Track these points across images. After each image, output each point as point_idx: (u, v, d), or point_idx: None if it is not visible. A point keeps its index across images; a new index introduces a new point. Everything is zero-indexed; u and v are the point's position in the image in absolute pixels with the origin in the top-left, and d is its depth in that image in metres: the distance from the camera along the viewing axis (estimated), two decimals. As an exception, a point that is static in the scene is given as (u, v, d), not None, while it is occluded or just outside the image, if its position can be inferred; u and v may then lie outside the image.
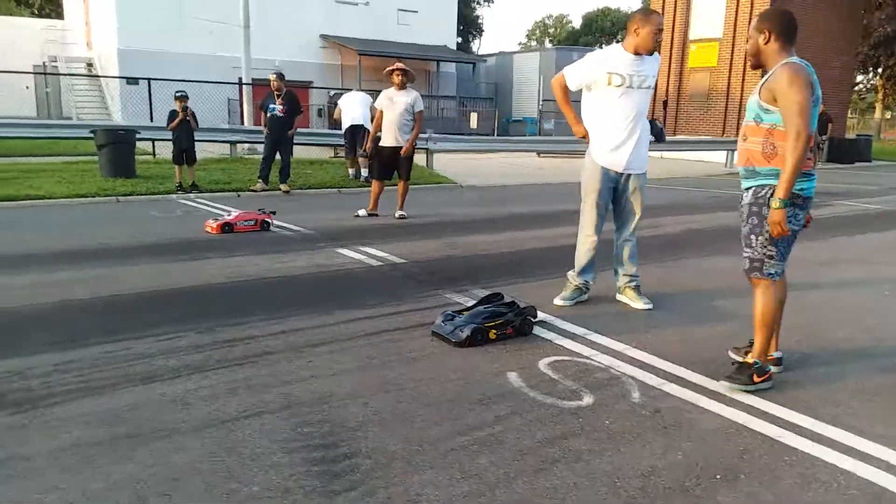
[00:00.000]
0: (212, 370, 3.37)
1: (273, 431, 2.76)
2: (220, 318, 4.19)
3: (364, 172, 12.10)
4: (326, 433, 2.76)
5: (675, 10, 22.15)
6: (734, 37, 21.11)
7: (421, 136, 9.23)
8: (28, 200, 8.83)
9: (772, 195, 3.13)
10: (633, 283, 4.73)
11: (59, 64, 26.91)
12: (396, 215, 8.36)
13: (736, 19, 21.04)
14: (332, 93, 23.08)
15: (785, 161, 3.04)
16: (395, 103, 8.04)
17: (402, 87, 8.05)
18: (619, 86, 4.35)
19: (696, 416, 3.03)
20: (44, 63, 26.93)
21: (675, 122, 22.89)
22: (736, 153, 3.66)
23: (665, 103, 22.07)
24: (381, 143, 8.21)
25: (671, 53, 22.38)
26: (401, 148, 8.13)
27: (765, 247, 3.24)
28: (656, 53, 4.46)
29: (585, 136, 4.58)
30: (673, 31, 22.06)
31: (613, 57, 4.41)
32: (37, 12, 38.69)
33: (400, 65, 8.14)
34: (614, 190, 4.62)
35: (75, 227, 7.32)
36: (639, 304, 4.65)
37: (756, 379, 3.27)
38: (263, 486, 2.37)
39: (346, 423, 2.86)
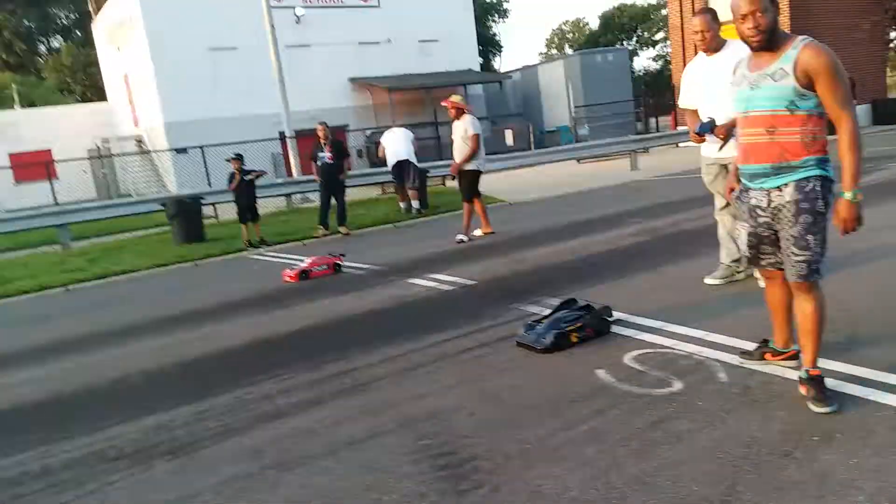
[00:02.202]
0: (329, 402, 3.73)
1: (397, 447, 3.08)
2: (323, 356, 4.56)
3: (415, 205, 12.50)
4: (444, 443, 3.07)
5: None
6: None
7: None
8: (114, 276, 9.48)
9: (821, 188, 2.88)
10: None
11: (112, 144, 28.44)
12: (456, 240, 8.70)
13: None
14: (369, 132, 23.74)
15: (847, 150, 2.82)
16: (456, 133, 8.82)
17: (457, 117, 8.76)
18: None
19: (785, 387, 3.21)
20: (97, 146, 28.49)
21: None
22: (738, 149, 3.15)
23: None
24: None
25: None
26: (462, 171, 8.75)
27: (821, 245, 2.94)
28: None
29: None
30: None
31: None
32: (80, 98, 40.84)
33: (448, 102, 8.92)
34: None
35: (164, 295, 7.87)
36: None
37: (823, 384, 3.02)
38: (401, 493, 2.68)
39: (458, 432, 3.16)
